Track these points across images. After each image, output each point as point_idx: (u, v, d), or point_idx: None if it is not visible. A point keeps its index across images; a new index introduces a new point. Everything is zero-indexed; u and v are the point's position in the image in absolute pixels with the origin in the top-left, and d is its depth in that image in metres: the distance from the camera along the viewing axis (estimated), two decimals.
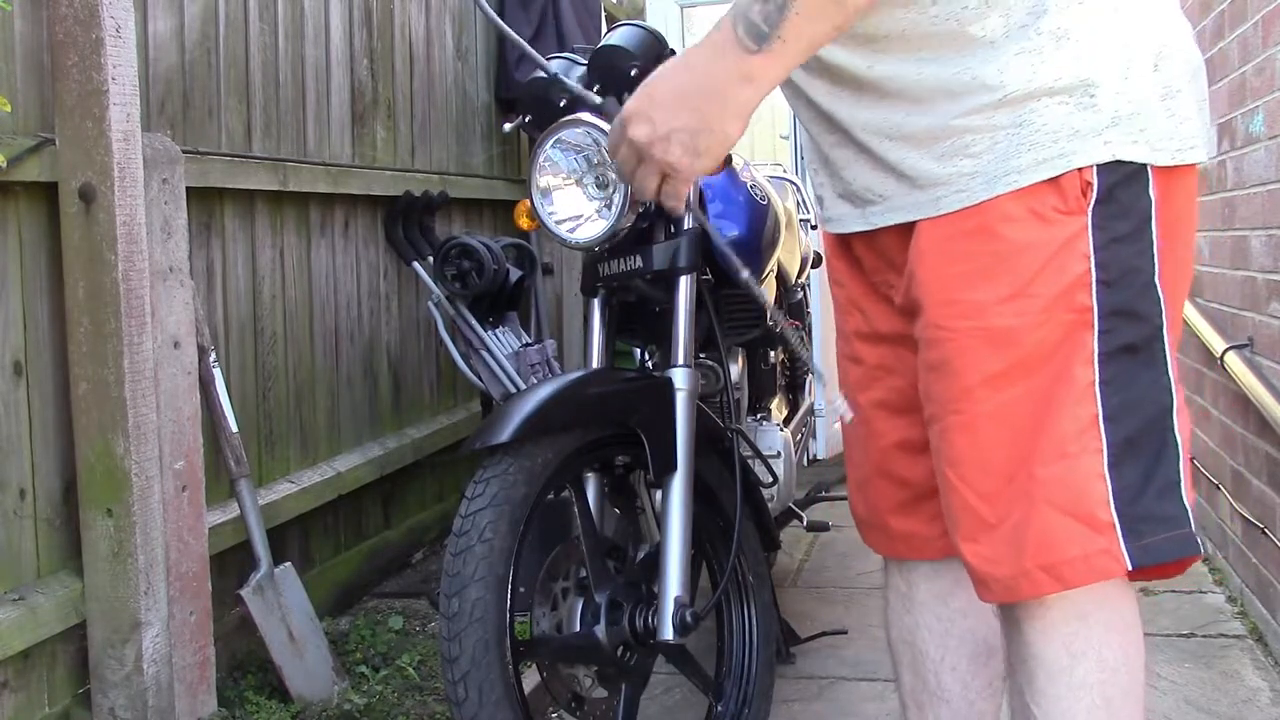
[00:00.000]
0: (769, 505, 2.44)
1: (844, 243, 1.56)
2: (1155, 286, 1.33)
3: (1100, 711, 1.37)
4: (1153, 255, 1.33)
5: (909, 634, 1.66)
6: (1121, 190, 1.32)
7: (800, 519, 2.90)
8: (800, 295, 3.28)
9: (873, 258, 1.52)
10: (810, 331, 3.49)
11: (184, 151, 2.41)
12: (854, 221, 1.49)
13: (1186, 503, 1.33)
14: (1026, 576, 1.33)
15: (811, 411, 3.49)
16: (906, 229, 1.42)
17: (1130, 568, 1.30)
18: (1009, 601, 1.40)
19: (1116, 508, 1.30)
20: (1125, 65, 1.32)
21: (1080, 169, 1.31)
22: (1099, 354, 1.31)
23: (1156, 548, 1.31)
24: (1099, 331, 1.31)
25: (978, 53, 1.33)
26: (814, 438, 3.60)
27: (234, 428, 2.56)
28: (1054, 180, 1.31)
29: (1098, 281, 1.31)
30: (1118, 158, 1.31)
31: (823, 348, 4.28)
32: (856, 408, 1.59)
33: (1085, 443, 1.31)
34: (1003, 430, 1.34)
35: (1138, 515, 1.31)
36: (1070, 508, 1.31)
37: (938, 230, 1.37)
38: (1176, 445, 1.34)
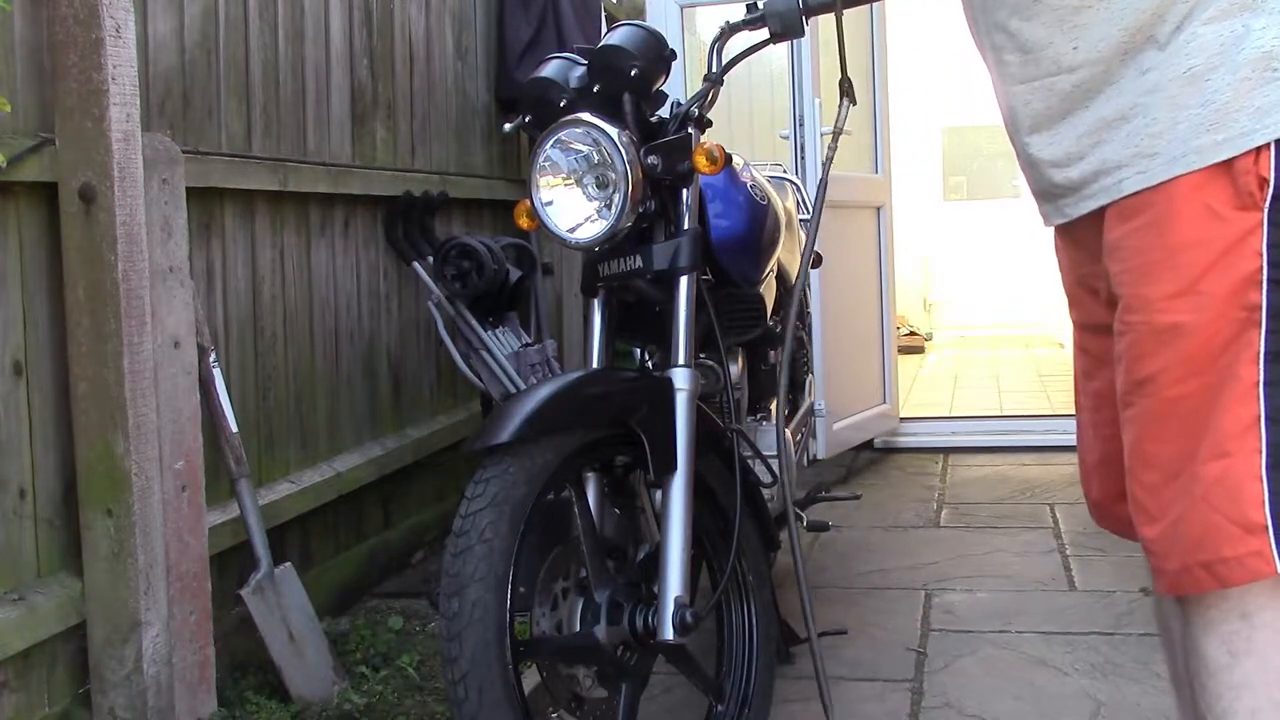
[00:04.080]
0: (769, 505, 2.44)
1: (1056, 237, 1.59)
2: None
3: (1266, 714, 1.35)
4: None
5: (1156, 609, 1.69)
6: None
7: (800, 519, 2.90)
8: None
9: (1074, 250, 1.54)
10: (810, 331, 3.49)
11: (184, 151, 2.41)
12: (1054, 215, 1.50)
13: None
14: (1188, 572, 1.34)
15: (811, 411, 3.49)
16: (1100, 220, 1.41)
17: None
18: (1176, 595, 1.40)
19: (1271, 510, 1.30)
20: None
21: (1257, 160, 1.27)
22: (1265, 354, 1.29)
23: None
24: (1266, 331, 1.29)
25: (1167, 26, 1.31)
26: (814, 438, 3.60)
27: (234, 428, 2.56)
28: (1229, 171, 1.28)
29: (1269, 280, 1.28)
30: None
31: (823, 348, 4.28)
32: (1083, 395, 1.60)
33: (1245, 443, 1.30)
34: (1168, 426, 1.34)
35: None
36: (1226, 507, 1.31)
37: (1122, 222, 1.37)
38: None
